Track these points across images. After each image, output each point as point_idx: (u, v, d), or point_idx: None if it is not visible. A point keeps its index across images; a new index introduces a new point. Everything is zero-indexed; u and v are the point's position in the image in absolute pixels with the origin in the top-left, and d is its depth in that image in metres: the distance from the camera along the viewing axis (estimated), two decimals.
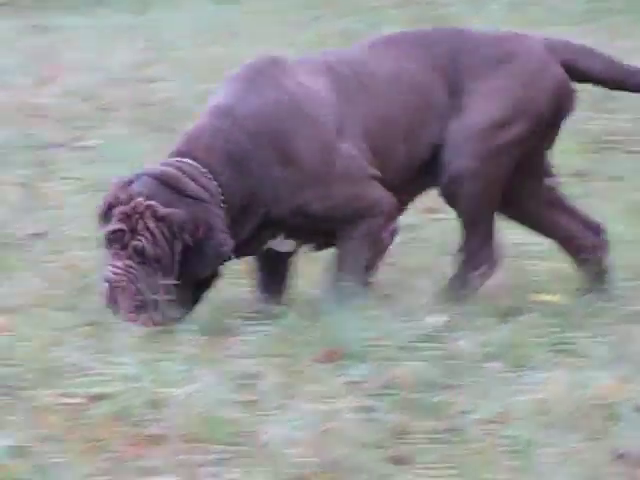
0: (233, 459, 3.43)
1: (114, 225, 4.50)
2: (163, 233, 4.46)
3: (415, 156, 4.85)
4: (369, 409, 3.75)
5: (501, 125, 4.83)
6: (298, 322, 4.42)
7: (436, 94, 4.88)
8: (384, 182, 4.76)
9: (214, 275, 4.63)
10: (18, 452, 3.39)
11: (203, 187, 4.53)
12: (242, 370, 4.04)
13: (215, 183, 4.55)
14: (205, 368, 4.02)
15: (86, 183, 6.60)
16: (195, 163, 4.55)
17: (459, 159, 4.77)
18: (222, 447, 3.49)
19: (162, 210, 4.45)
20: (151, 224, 4.45)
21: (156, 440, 3.54)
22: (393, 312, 4.53)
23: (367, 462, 3.36)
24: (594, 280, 4.92)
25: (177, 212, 4.45)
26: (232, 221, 4.54)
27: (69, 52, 10.77)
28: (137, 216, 4.46)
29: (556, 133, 4.98)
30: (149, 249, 4.45)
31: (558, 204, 5.01)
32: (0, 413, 3.68)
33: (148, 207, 4.45)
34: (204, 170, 4.54)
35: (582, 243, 4.95)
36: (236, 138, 4.61)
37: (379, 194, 4.75)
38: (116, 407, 3.74)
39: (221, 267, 4.59)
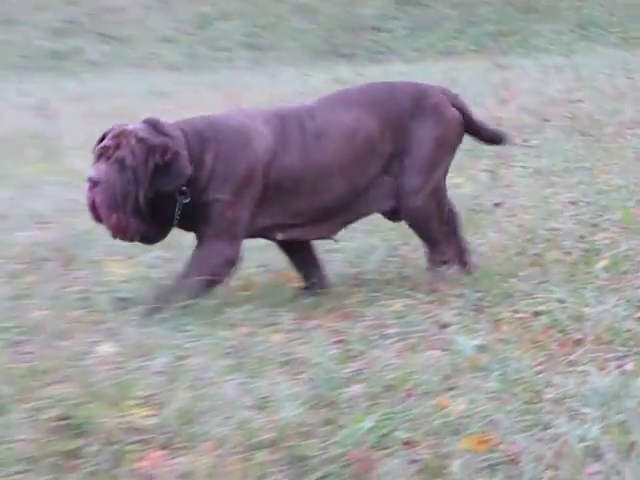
0: (630, 355, 3.33)
1: (104, 143, 3.95)
2: (141, 150, 3.87)
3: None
4: None
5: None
6: None
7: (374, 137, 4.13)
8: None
9: (171, 221, 3.97)
10: (483, 349, 3.41)
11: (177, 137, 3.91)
12: (637, 296, 3.89)
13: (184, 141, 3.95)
14: (611, 294, 3.90)
15: (530, 170, 6.53)
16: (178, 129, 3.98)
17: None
18: (622, 347, 3.39)
19: (142, 134, 3.90)
20: (132, 142, 3.88)
21: (577, 343, 3.47)
22: None
23: None
24: None
25: (152, 137, 3.89)
26: None
27: (520, 82, 10.81)
28: (123, 137, 3.90)
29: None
30: (128, 159, 3.85)
31: None
32: (471, 323, 3.71)
33: (131, 131, 3.91)
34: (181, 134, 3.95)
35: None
36: (201, 138, 3.97)
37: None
38: (550, 320, 3.69)
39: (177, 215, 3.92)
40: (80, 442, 2.65)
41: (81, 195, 3.95)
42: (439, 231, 4.26)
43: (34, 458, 2.58)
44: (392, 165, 4.17)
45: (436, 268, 4.27)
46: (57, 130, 7.05)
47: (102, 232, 3.96)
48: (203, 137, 4.00)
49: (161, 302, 3.81)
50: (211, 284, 3.94)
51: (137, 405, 2.87)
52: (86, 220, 3.99)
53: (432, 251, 4.30)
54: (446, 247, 4.28)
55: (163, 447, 2.66)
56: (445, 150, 4.22)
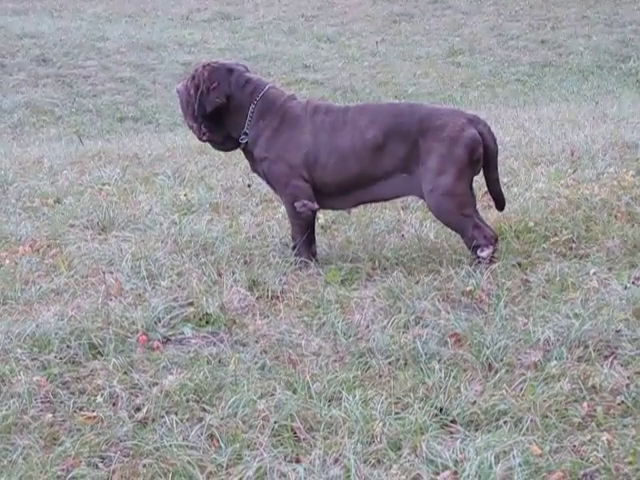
0: None
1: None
2: (199, 77, 5.16)
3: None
4: None
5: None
6: None
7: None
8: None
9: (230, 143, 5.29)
10: None
11: (251, 89, 5.21)
12: None
13: (254, 105, 5.18)
14: None
15: None
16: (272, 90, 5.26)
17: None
18: None
19: (209, 68, 5.20)
20: (200, 69, 5.20)
21: None
22: None
23: None
24: None
25: (210, 71, 5.19)
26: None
27: None
28: (200, 65, 5.28)
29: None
30: (190, 81, 5.21)
31: None
32: None
33: (210, 64, 5.24)
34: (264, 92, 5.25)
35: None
36: (274, 107, 5.19)
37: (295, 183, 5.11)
38: None
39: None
40: None
41: None
42: (461, 224, 5.04)
43: None
44: (408, 167, 5.04)
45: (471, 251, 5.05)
46: None
47: None
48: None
49: None
50: None
51: None
52: None
53: (463, 238, 5.10)
54: (475, 232, 5.02)
55: None
56: (448, 161, 4.96)
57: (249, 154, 5.28)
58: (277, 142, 5.15)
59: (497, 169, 5.20)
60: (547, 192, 6.31)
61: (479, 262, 4.98)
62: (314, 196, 5.14)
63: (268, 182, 5.29)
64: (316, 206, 5.15)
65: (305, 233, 5.16)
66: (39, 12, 19.62)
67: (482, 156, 5.05)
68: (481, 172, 5.18)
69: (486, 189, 5.39)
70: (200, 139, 5.31)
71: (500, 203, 5.33)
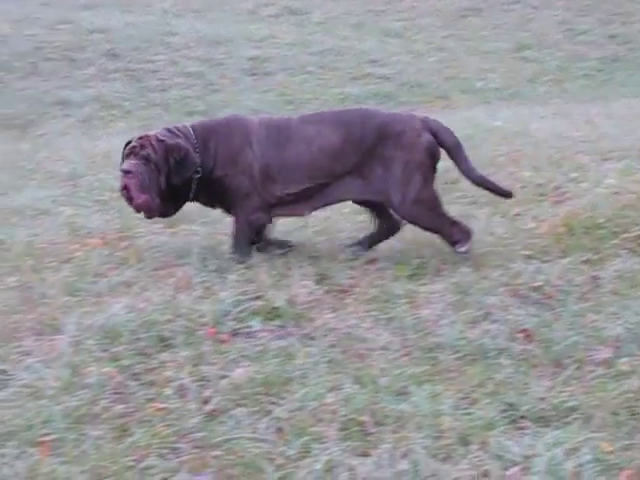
0: None
1: (132, 144, 5.04)
2: (161, 149, 4.98)
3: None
4: None
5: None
6: None
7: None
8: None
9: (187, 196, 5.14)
10: None
11: (185, 134, 5.10)
12: None
13: (195, 139, 5.10)
14: None
15: None
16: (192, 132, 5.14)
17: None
18: None
19: (162, 137, 5.03)
20: (154, 142, 4.99)
21: None
22: None
23: None
24: None
25: (169, 139, 5.02)
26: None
27: None
28: (146, 139, 5.02)
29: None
30: (152, 155, 4.96)
31: None
32: None
33: (155, 135, 5.05)
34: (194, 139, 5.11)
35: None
36: (208, 134, 5.14)
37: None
38: None
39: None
40: None
41: None
42: (437, 225, 5.07)
43: None
44: (361, 171, 5.04)
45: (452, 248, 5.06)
46: None
47: None
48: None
49: None
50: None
51: None
52: None
53: (442, 237, 5.10)
54: (452, 230, 5.05)
55: None
56: (412, 169, 4.95)
57: (204, 187, 5.15)
58: (233, 157, 5.09)
59: (467, 159, 5.12)
60: (617, 188, 6.23)
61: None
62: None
63: (224, 198, 5.19)
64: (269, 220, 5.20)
65: (250, 244, 5.16)
66: (109, 7, 19.83)
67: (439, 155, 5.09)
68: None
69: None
70: (153, 216, 5.18)
71: (497, 190, 5.23)
